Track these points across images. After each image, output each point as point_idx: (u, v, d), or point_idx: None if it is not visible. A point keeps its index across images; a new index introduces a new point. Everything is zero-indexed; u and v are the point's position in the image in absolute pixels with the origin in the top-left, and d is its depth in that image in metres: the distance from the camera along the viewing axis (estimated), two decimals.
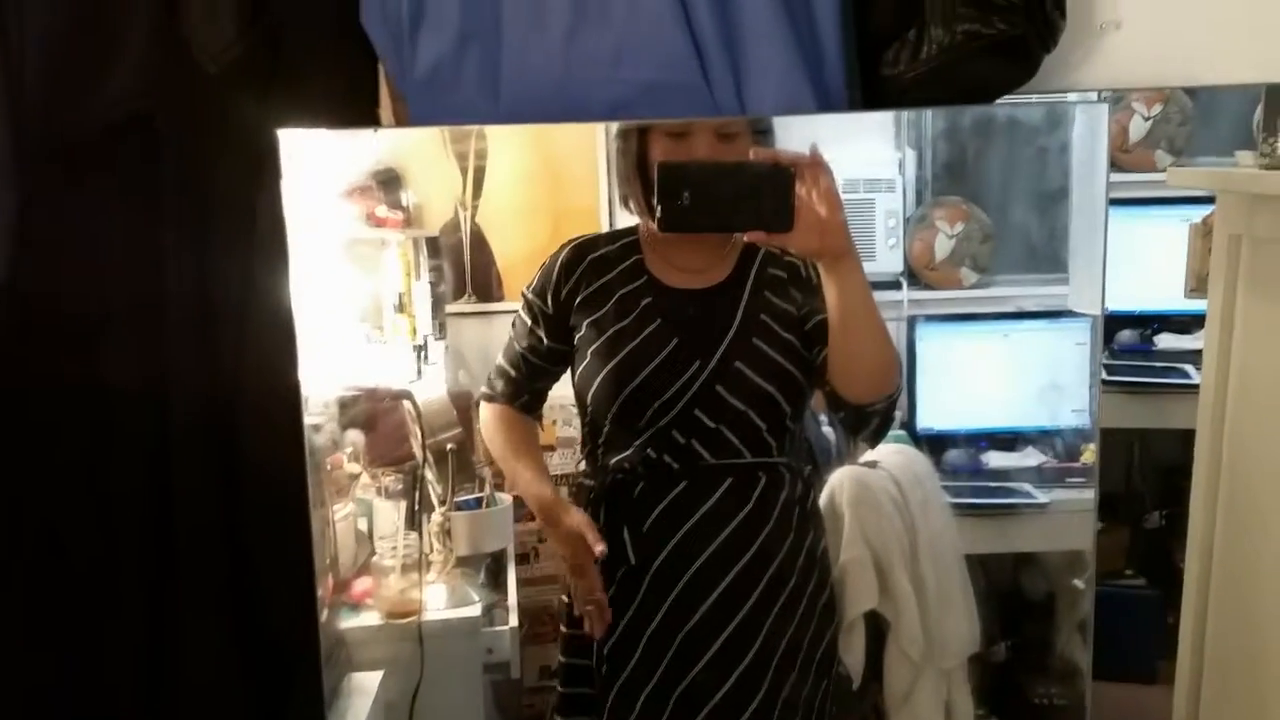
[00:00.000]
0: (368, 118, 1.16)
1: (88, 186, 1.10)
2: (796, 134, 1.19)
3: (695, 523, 1.25)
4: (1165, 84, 1.13)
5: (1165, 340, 1.99)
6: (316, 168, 1.21)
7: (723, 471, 1.25)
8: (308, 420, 1.16)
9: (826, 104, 1.07)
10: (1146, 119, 2.00)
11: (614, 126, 1.31)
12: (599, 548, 1.25)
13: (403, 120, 1.14)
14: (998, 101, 1.10)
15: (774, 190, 1.09)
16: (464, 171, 1.68)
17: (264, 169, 1.07)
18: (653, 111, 1.07)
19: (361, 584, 1.57)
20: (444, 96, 1.10)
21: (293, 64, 1.10)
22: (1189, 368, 1.91)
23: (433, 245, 1.79)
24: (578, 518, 1.28)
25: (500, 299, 1.72)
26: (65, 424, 1.12)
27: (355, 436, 1.49)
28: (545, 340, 1.32)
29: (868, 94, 1.09)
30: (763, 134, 1.23)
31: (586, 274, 1.30)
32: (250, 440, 1.14)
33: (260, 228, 1.10)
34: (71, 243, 1.10)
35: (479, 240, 1.77)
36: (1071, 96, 1.19)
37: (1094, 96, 1.25)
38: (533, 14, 1.07)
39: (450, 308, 1.76)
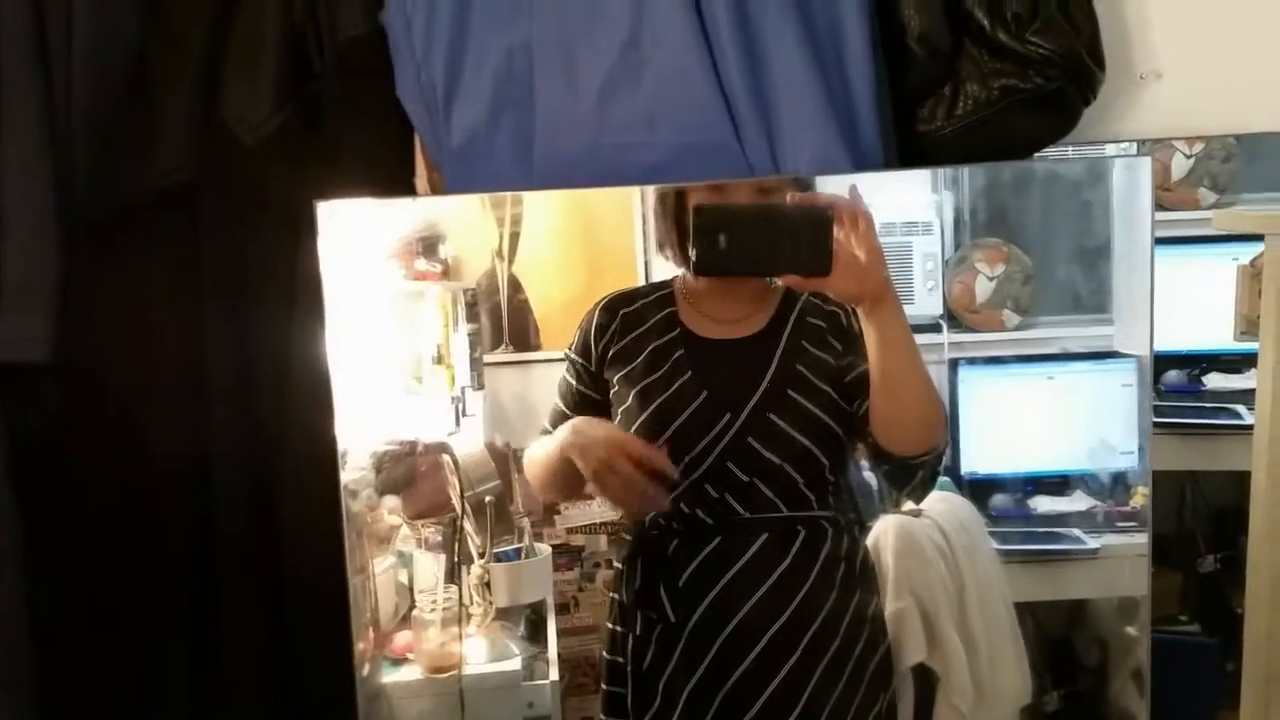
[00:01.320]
0: (404, 187, 1.18)
1: (130, 258, 1.12)
2: (834, 178, 1.19)
3: (730, 579, 1.24)
4: (1207, 133, 1.12)
5: (1214, 380, 1.95)
6: (355, 236, 1.23)
7: (758, 526, 1.23)
8: (346, 481, 1.17)
9: (861, 162, 1.07)
10: (1188, 156, 1.96)
11: (650, 189, 1.32)
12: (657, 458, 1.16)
13: (438, 189, 1.15)
14: (1036, 155, 1.09)
15: (811, 233, 1.09)
16: (500, 224, 1.69)
17: (302, 238, 1.09)
18: (687, 174, 1.08)
19: (403, 638, 1.57)
20: (478, 165, 1.11)
21: (330, 136, 1.12)
22: (1240, 408, 1.87)
23: (470, 296, 1.80)
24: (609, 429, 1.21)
25: (537, 348, 1.72)
26: (110, 491, 1.14)
27: (393, 503, 1.49)
28: (589, 395, 1.31)
29: (903, 150, 1.09)
30: (805, 185, 1.22)
31: (619, 330, 1.31)
32: (291, 503, 1.15)
33: (299, 294, 1.12)
34: (114, 313, 1.12)
35: (515, 290, 1.77)
36: (1111, 149, 1.17)
37: (1135, 147, 1.23)
38: (564, 82, 1.08)
39: (488, 358, 1.76)
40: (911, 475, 1.25)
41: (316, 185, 1.10)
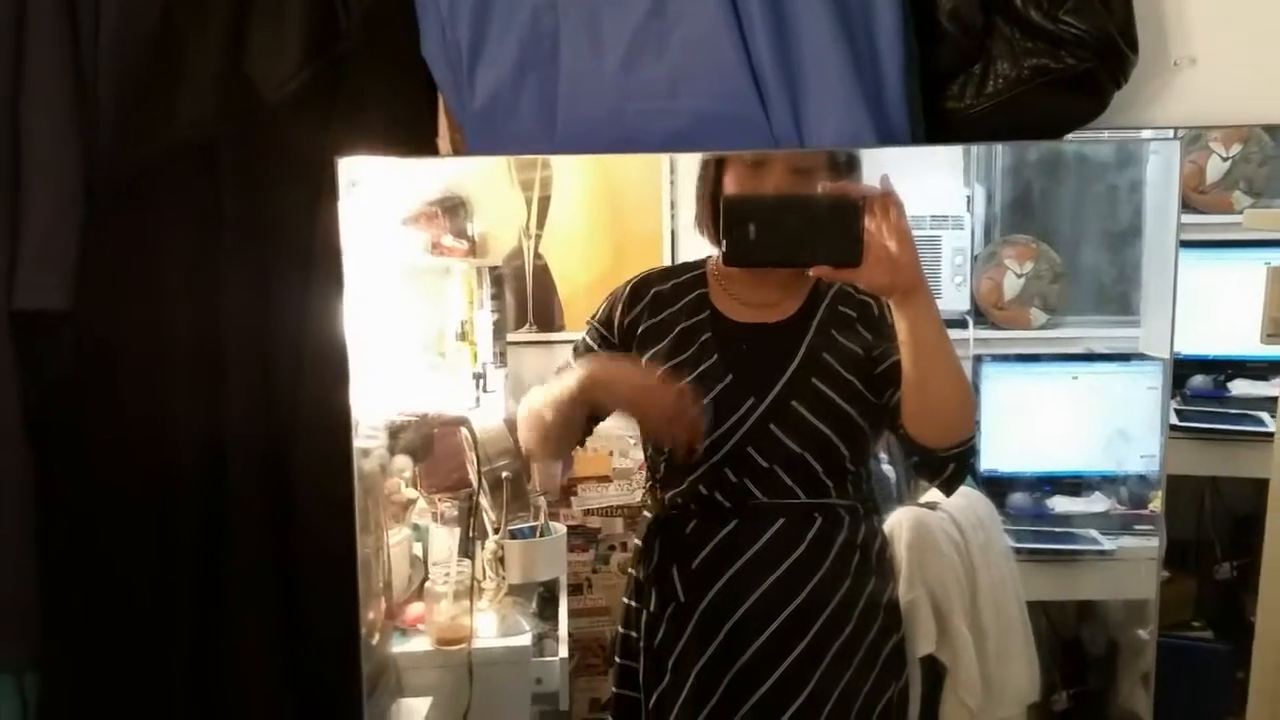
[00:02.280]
0: (427, 147, 1.16)
1: (149, 214, 1.12)
2: (865, 167, 1.17)
3: (745, 563, 1.23)
4: (1241, 122, 1.09)
5: (1240, 386, 1.93)
6: (377, 196, 1.22)
7: (775, 511, 1.23)
8: (358, 445, 1.16)
9: (888, 137, 1.05)
10: (1225, 159, 1.95)
11: (680, 158, 1.31)
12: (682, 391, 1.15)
13: (460, 150, 1.15)
14: (1067, 137, 1.08)
15: (842, 224, 1.06)
16: (529, 201, 1.69)
17: (323, 197, 1.09)
18: (709, 143, 1.06)
19: (414, 609, 1.58)
20: (501, 127, 1.10)
21: (353, 94, 1.11)
22: (1264, 415, 1.85)
23: (496, 274, 1.81)
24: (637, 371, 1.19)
25: (561, 329, 1.73)
26: (123, 450, 1.14)
27: (404, 462, 1.48)
28: None
29: (931, 127, 1.07)
30: (840, 169, 1.20)
31: (650, 307, 1.29)
32: (305, 467, 1.14)
33: (319, 255, 1.11)
34: (132, 269, 1.12)
35: (541, 270, 1.78)
36: (1144, 133, 1.16)
37: (1168, 133, 1.21)
38: (590, 44, 1.07)
39: (511, 337, 1.77)
40: (944, 467, 1.23)
41: (339, 144, 1.08)
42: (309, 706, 1.19)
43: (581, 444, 1.37)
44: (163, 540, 1.16)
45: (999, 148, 1.94)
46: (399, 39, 1.11)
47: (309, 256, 1.11)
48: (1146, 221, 1.83)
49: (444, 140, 1.17)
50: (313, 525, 1.17)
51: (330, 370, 1.12)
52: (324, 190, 1.07)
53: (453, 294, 1.79)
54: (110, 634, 1.17)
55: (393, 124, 1.12)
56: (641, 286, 1.31)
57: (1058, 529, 1.82)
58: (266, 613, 1.17)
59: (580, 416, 1.26)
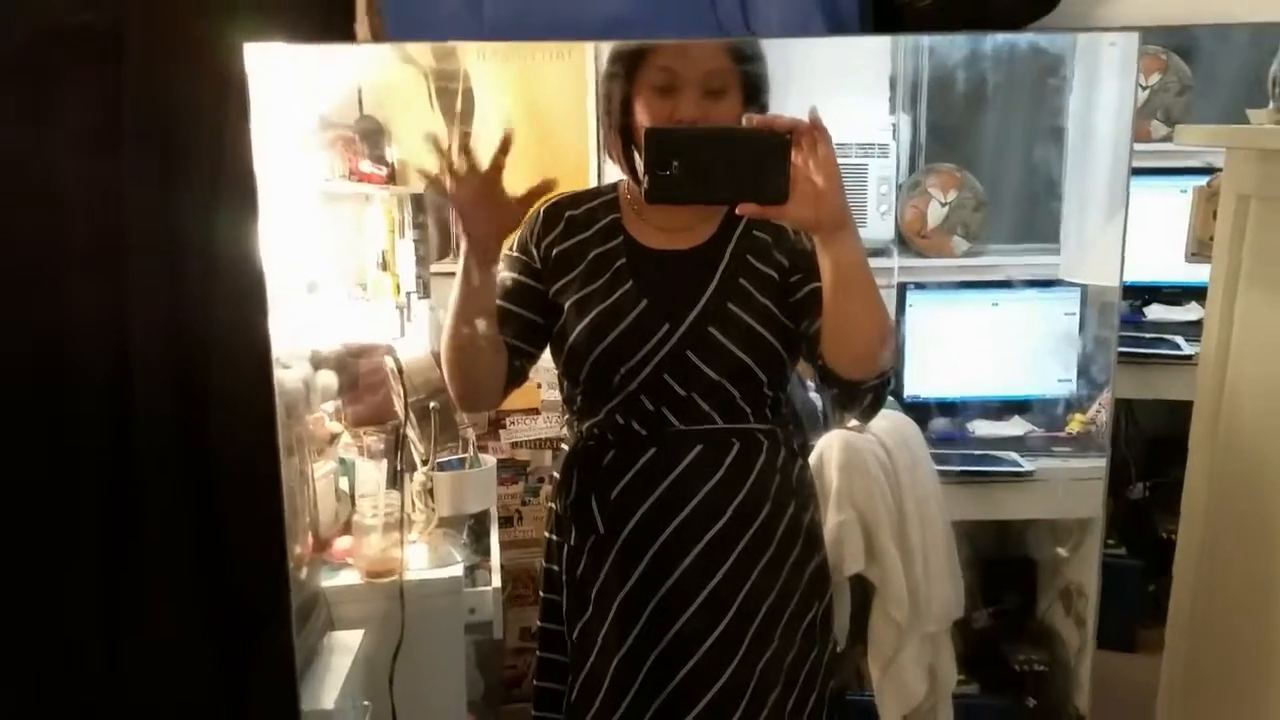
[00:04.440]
0: (342, 34, 1.09)
1: (41, 106, 1.03)
2: (795, 101, 1.15)
3: (664, 490, 1.21)
4: (1190, 21, 1.08)
5: (1155, 311, 1.98)
6: (289, 88, 1.14)
7: (693, 438, 1.21)
8: (278, 363, 1.11)
9: (837, 26, 1.00)
10: (1144, 88, 1.98)
11: (606, 56, 1.24)
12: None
13: (380, 37, 1.08)
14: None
15: (769, 159, 1.02)
16: (450, 126, 1.64)
17: (231, 91, 1.01)
18: (651, 27, 1.00)
19: (343, 543, 1.56)
20: (424, 10, 1.03)
21: None
22: (1179, 339, 1.90)
23: (417, 202, 1.76)
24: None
25: None
26: (17, 363, 1.06)
27: (327, 378, 1.43)
28: (533, 285, 1.25)
29: (881, 23, 1.04)
30: (757, 102, 1.17)
31: (564, 232, 1.25)
32: (218, 386, 1.09)
33: (228, 156, 1.04)
34: (24, 166, 1.04)
35: None
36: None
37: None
38: None
39: (435, 267, 1.73)
40: (861, 398, 1.22)
41: (247, 30, 1.00)
42: (231, 635, 1.15)
43: (515, 379, 1.31)
44: (63, 455, 1.09)
45: (925, 77, 1.95)
46: None
47: (218, 155, 1.04)
48: (1070, 147, 1.86)
49: (362, 24, 1.09)
50: (229, 451, 1.12)
51: (243, 285, 1.05)
52: (231, 82, 0.99)
53: (373, 222, 1.74)
54: (6, 555, 1.11)
55: (306, 7, 1.04)
56: (554, 211, 1.28)
57: (979, 452, 1.87)
58: (179, 534, 1.11)
59: (486, 305, 1.19)
